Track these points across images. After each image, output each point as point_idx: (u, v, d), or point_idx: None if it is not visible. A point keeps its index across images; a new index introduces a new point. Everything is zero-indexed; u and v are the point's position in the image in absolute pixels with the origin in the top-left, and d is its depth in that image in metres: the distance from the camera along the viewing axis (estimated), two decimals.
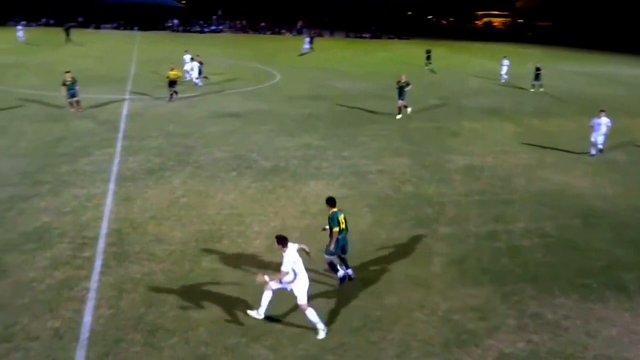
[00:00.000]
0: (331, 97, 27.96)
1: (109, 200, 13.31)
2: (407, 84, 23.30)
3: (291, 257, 8.28)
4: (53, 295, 9.24)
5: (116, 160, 16.34)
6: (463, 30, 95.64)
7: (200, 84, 29.01)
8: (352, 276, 10.05)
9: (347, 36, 76.60)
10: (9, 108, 22.25)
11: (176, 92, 25.26)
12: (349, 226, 9.91)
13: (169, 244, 11.24)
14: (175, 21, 73.12)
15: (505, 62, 36.79)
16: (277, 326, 8.68)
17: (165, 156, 16.94)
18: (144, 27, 69.88)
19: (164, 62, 39.38)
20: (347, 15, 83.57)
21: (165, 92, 25.34)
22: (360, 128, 21.58)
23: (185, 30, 71.38)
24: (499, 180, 16.12)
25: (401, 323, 8.91)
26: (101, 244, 11.05)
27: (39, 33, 58.23)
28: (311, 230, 11.81)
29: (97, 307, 8.96)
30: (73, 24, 61.38)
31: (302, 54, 49.38)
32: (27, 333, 8.23)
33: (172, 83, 24.96)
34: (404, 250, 11.48)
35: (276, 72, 36.41)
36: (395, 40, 75.13)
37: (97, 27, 69.52)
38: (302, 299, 8.44)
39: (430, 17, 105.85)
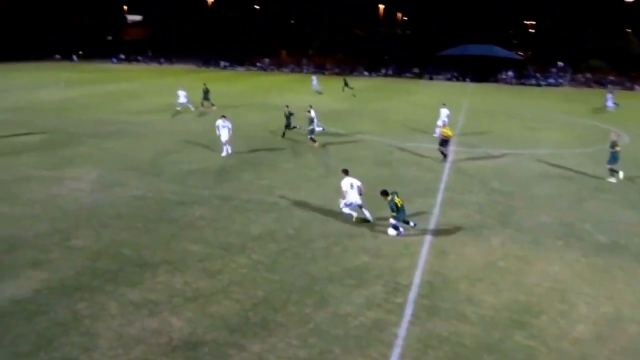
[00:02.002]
0: None
1: (425, 250, 14.05)
2: None
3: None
4: (364, 333, 10.18)
5: (436, 211, 17.21)
6: None
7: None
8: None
9: None
10: (348, 150, 25.75)
11: (445, 155, 23.96)
12: None
13: (481, 307, 11.20)
14: (510, 73, 73.74)
15: None
16: None
17: (486, 214, 17.06)
18: (477, 78, 72.53)
19: (494, 115, 39.81)
20: None
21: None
22: None
23: (519, 83, 71.31)
24: None
25: None
26: (413, 293, 11.72)
27: (378, 83, 66.09)
28: None
29: (402, 356, 9.48)
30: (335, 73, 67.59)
31: None
32: None
33: (444, 142, 23.98)
34: None
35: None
36: None
37: (431, 78, 75.18)
38: None
39: None
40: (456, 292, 11.82)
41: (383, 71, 78.97)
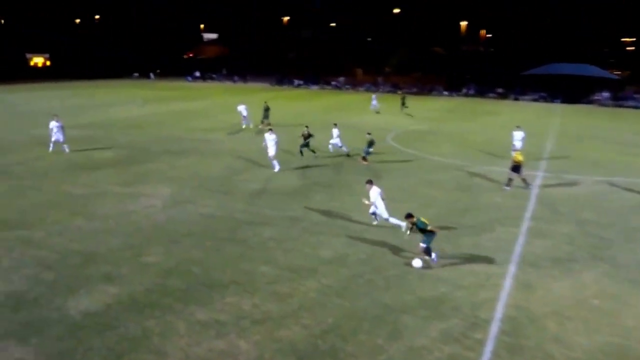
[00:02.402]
0: None
1: (508, 283, 13.58)
2: None
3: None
4: None
5: (520, 241, 16.63)
6: None
7: None
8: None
9: None
10: (425, 173, 25.47)
11: (526, 181, 23.03)
12: None
13: (570, 349, 10.64)
14: (605, 94, 70.76)
15: None
16: None
17: (577, 246, 16.30)
18: (568, 99, 70.06)
19: (586, 138, 38.26)
20: None
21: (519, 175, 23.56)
22: None
23: (616, 105, 68.20)
24: None
25: None
26: (494, 329, 11.31)
27: (458, 103, 65.19)
28: None
29: None
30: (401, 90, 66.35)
31: None
32: None
33: (515, 168, 22.82)
34: None
35: None
36: None
37: (516, 99, 73.34)
38: None
39: None
40: (542, 331, 11.31)
41: (464, 91, 77.91)
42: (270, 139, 24.86)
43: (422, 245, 14.39)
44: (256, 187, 22.18)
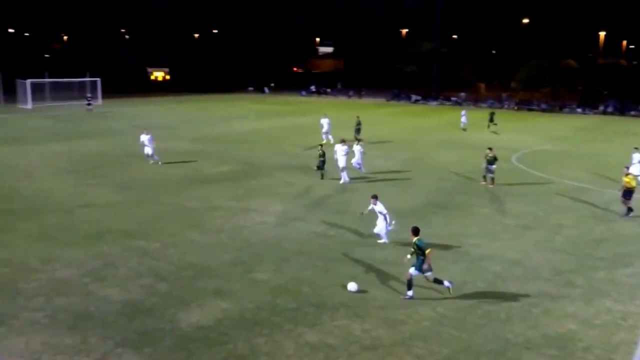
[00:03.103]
0: None
1: None
2: None
3: None
4: None
5: None
6: None
7: None
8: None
9: None
10: (556, 198, 24.37)
11: (631, 209, 21.61)
12: None
13: None
14: None
15: None
16: None
17: None
18: None
19: None
20: None
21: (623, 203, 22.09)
22: None
23: None
24: None
25: None
26: None
27: (594, 122, 61.78)
28: None
29: None
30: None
31: None
32: None
33: (626, 193, 21.49)
34: None
35: None
36: None
37: None
38: None
39: None
40: None
41: (601, 108, 73.67)
42: (341, 149, 26.38)
43: (414, 272, 13.63)
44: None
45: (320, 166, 27.19)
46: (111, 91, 71.64)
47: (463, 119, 50.20)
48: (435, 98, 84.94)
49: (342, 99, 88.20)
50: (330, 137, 38.41)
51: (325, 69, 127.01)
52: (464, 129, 48.82)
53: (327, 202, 22.99)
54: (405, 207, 22.23)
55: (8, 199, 22.28)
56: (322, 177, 27.11)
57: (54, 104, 61.92)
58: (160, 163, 29.56)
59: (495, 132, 47.29)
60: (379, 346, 11.51)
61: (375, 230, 17.79)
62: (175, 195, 23.49)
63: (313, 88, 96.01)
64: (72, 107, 59.44)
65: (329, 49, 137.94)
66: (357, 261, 16.26)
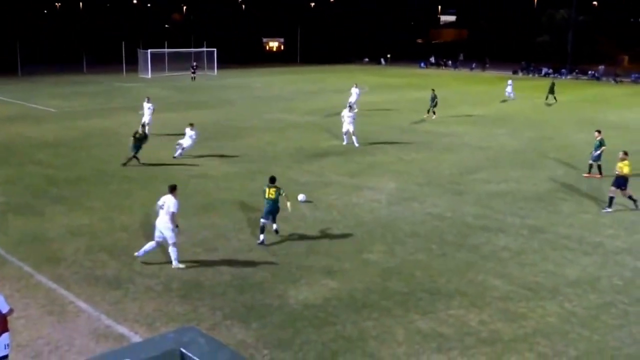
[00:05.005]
0: None
1: None
2: None
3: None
4: None
5: None
6: None
7: None
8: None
9: None
10: None
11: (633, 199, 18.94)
12: None
13: None
14: None
15: None
16: None
17: None
18: None
19: None
20: None
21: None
22: None
23: None
24: None
25: None
26: None
27: None
28: None
29: None
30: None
31: None
32: None
33: (617, 181, 19.04)
34: None
35: None
36: None
37: None
38: None
39: None
40: None
41: None
42: (348, 115, 28.11)
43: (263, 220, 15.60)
44: (493, 188, 21.49)
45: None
46: (227, 61, 74.03)
47: (508, 90, 47.78)
48: (570, 71, 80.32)
49: (463, 72, 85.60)
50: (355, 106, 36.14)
51: (446, 39, 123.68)
52: (504, 100, 46.70)
53: (445, 181, 22.38)
54: (530, 191, 21.22)
55: (128, 169, 23.57)
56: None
57: (172, 73, 64.93)
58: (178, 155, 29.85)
59: (548, 104, 44.83)
60: (497, 340, 11.06)
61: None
62: (287, 168, 23.82)
63: (432, 60, 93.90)
64: (187, 77, 61.92)
65: (452, 18, 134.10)
66: (475, 247, 15.72)
